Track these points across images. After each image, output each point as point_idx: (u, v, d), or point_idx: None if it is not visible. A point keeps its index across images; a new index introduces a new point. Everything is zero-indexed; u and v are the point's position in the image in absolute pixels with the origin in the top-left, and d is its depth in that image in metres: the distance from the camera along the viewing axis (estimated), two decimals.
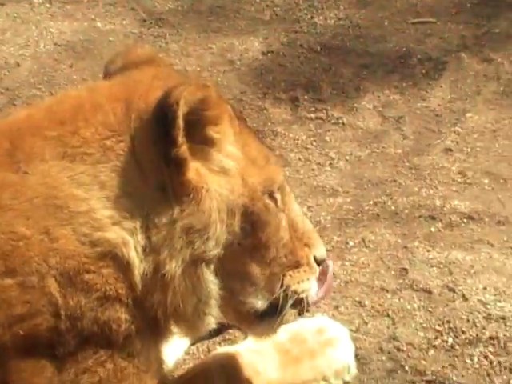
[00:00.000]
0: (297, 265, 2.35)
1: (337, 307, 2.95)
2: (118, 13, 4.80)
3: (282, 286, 2.31)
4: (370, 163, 3.62)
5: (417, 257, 3.17)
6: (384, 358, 2.76)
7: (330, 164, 3.60)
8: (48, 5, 4.86)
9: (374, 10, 4.66)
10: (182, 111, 1.93)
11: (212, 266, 2.15)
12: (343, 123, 3.82)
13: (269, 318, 2.29)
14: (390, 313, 2.93)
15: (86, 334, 2.06)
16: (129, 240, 2.03)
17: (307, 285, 2.36)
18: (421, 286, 3.03)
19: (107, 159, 2.05)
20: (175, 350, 2.71)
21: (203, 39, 4.56)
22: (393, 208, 3.40)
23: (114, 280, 2.04)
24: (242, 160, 2.25)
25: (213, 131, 2.11)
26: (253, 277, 2.28)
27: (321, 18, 4.61)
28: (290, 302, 2.32)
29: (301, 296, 2.35)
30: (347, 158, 3.65)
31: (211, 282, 2.13)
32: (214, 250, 2.11)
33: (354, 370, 2.64)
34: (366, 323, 2.90)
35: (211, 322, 2.21)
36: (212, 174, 2.13)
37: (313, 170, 3.61)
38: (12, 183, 2.03)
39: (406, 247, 3.20)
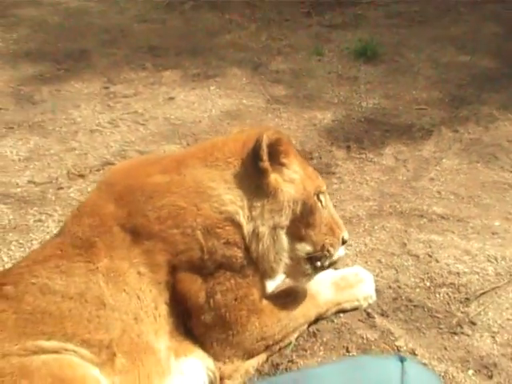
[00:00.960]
0: (332, 236, 3.14)
1: (366, 262, 3.70)
2: (254, 95, 5.72)
3: (323, 246, 3.09)
4: (388, 184, 4.55)
5: (412, 237, 3.94)
6: (391, 291, 3.46)
7: (366, 183, 4.58)
8: (218, 89, 5.76)
9: (394, 101, 5.67)
10: (265, 143, 2.83)
11: (284, 231, 2.97)
12: (374, 161, 4.82)
13: (311, 263, 3.11)
14: (395, 267, 3.67)
15: (219, 262, 2.88)
16: (240, 212, 2.89)
17: (336, 249, 3.16)
18: (413, 253, 3.77)
19: (229, 168, 2.92)
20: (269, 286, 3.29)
21: (300, 112, 5.47)
22: (400, 210, 4.24)
23: (232, 233, 2.88)
24: (302, 175, 3.06)
25: (284, 158, 3.01)
26: (306, 238, 3.06)
27: (364, 103, 5.64)
28: (326, 254, 3.10)
29: (332, 254, 3.14)
30: (375, 180, 4.60)
31: (283, 239, 2.98)
32: (285, 221, 2.96)
33: (374, 298, 3.42)
34: (381, 272, 3.63)
35: (282, 267, 3.03)
36: (285, 182, 2.98)
37: (356, 186, 4.53)
38: (176, 180, 2.92)
39: (406, 231, 3.99)
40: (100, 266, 2.73)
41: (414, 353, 3.07)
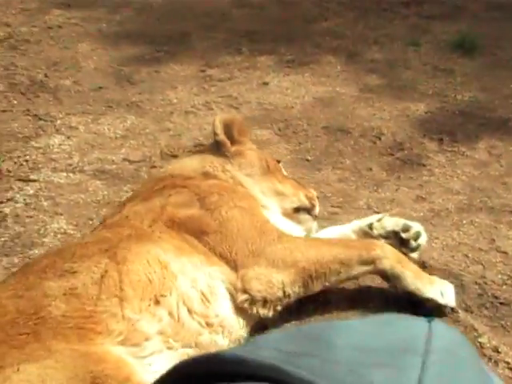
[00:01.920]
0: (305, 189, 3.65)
1: (452, 256, 3.67)
2: (347, 83, 5.74)
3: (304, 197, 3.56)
4: (480, 179, 4.51)
5: (501, 233, 3.90)
6: (476, 287, 3.44)
7: (457, 177, 4.54)
8: (311, 76, 5.82)
9: (490, 94, 5.54)
10: (217, 121, 3.54)
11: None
12: (466, 155, 4.77)
13: (302, 213, 3.53)
14: (482, 262, 3.64)
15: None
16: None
17: (315, 199, 3.64)
18: (502, 249, 3.76)
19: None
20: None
21: (393, 103, 5.46)
22: (490, 205, 4.21)
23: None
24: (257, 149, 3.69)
25: (239, 136, 3.62)
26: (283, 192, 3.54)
27: (459, 96, 5.57)
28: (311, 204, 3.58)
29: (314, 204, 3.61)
30: (467, 174, 4.56)
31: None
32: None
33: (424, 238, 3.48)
34: (468, 267, 3.59)
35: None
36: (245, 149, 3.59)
37: (447, 179, 4.50)
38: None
39: (495, 227, 3.97)
40: None
41: (497, 350, 3.02)
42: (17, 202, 4.16)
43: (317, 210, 3.67)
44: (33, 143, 4.81)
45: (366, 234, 3.55)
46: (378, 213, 4.01)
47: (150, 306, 2.67)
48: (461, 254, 3.69)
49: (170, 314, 2.72)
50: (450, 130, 5.02)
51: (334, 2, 7.00)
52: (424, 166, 4.61)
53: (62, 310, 2.51)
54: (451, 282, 3.36)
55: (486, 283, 3.44)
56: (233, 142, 3.57)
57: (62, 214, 4.03)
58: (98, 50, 6.18)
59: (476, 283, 3.45)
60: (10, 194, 4.25)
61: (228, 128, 3.57)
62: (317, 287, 3.09)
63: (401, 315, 0.94)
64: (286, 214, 3.55)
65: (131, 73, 5.89)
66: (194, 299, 2.82)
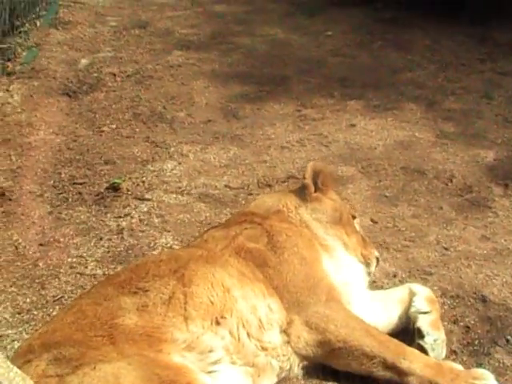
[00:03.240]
0: (367, 248, 3.52)
1: (511, 293, 3.59)
2: (425, 129, 5.66)
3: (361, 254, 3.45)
4: None
5: None
6: None
7: None
8: (394, 121, 5.76)
9: None
10: (309, 167, 3.51)
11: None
12: None
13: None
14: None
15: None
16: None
17: (372, 260, 3.50)
18: None
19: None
20: None
21: (466, 149, 5.32)
22: None
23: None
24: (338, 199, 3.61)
25: (323, 185, 3.52)
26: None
27: None
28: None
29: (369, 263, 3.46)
30: None
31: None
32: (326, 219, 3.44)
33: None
34: None
35: None
36: (324, 197, 3.51)
37: (510, 221, 4.38)
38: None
39: None
40: None
41: None
42: (132, 218, 4.32)
43: (372, 269, 3.54)
44: (149, 167, 4.97)
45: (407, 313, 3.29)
46: (447, 249, 4.04)
47: (211, 324, 2.70)
48: None
49: (231, 333, 2.74)
50: None
51: (418, 55, 6.96)
52: (490, 208, 4.55)
53: (134, 321, 2.59)
54: (507, 317, 3.36)
55: None
56: (317, 188, 3.54)
57: (169, 231, 4.16)
58: (209, 88, 6.31)
59: None
60: (127, 210, 4.42)
61: (316, 175, 3.54)
62: (337, 365, 2.95)
63: None
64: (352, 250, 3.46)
65: (237, 109, 5.99)
66: (252, 324, 2.82)
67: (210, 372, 2.64)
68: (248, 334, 2.79)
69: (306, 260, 3.09)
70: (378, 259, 3.57)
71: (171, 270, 2.84)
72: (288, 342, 2.91)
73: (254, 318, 2.84)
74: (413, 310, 3.20)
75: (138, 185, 4.73)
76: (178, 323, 2.65)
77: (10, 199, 4.47)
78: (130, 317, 2.62)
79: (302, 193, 3.52)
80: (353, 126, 5.64)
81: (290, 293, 2.96)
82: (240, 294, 2.84)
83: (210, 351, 2.67)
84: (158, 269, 2.87)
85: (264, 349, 2.83)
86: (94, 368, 2.33)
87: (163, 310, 2.67)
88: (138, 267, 2.98)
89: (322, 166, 3.71)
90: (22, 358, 2.41)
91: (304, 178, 3.54)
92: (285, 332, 2.91)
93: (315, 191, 3.51)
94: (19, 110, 5.83)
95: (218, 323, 2.73)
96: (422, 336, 3.07)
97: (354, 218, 3.67)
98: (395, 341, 2.95)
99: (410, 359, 2.84)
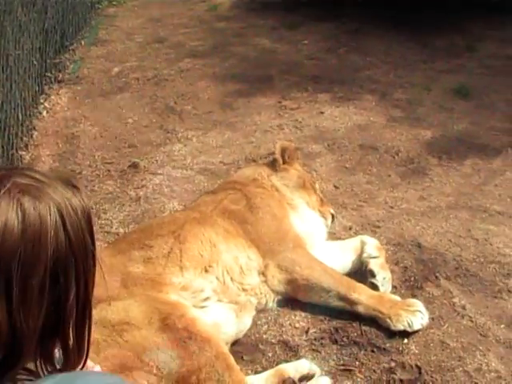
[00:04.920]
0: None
1: (440, 240, 3.60)
2: (379, 115, 5.48)
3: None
4: (464, 186, 4.28)
5: (475, 225, 3.76)
6: (455, 262, 3.39)
7: (449, 184, 4.33)
8: (354, 109, 5.59)
9: (477, 127, 5.14)
10: (278, 146, 3.47)
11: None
12: (457, 169, 4.54)
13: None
14: (460, 245, 3.55)
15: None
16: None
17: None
18: (474, 237, 3.62)
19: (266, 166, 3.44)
20: None
21: (410, 130, 5.14)
22: (470, 205, 4.01)
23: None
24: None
25: (290, 159, 3.45)
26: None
27: (455, 127, 5.17)
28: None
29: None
30: (456, 182, 4.34)
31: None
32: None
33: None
34: (450, 248, 3.55)
35: None
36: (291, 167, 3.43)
37: (442, 185, 4.31)
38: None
39: (471, 221, 3.82)
40: None
41: (464, 308, 2.99)
42: (147, 188, 4.30)
43: (329, 222, 3.43)
44: (161, 148, 4.92)
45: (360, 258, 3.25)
46: (392, 207, 4.00)
47: (201, 272, 2.69)
48: (446, 239, 3.62)
49: (218, 278, 2.72)
50: (446, 150, 4.82)
51: (375, 57, 6.83)
52: (427, 175, 4.50)
53: (141, 270, 2.60)
54: (436, 259, 3.36)
55: (461, 260, 3.41)
56: (284, 161, 3.47)
57: (175, 198, 4.14)
58: (211, 86, 6.19)
59: (455, 260, 3.44)
60: (143, 183, 4.39)
61: (283, 151, 3.47)
62: (303, 298, 2.96)
63: None
64: (312, 208, 3.40)
65: (231, 102, 5.87)
66: (234, 271, 2.80)
67: (201, 307, 2.63)
68: (231, 279, 2.78)
69: (277, 216, 3.07)
70: (333, 215, 3.50)
71: (170, 230, 2.82)
72: (265, 282, 2.89)
73: (236, 266, 2.82)
74: (365, 255, 3.18)
75: (152, 163, 4.69)
76: (175, 271, 2.64)
77: None
78: (138, 266, 2.63)
79: (273, 165, 3.46)
80: (322, 113, 5.51)
81: (264, 243, 2.94)
82: (224, 247, 2.82)
83: (201, 291, 2.66)
84: (160, 229, 2.86)
85: (244, 290, 2.82)
86: (110, 304, 2.37)
87: (164, 262, 2.67)
88: (145, 228, 2.99)
89: (288, 144, 3.65)
90: None
91: (274, 153, 3.49)
92: (262, 274, 2.89)
93: (283, 163, 3.45)
94: (66, 109, 5.80)
95: (206, 271, 2.72)
96: (373, 275, 3.06)
97: (314, 183, 3.61)
98: (347, 278, 2.99)
99: (358, 292, 2.89)
